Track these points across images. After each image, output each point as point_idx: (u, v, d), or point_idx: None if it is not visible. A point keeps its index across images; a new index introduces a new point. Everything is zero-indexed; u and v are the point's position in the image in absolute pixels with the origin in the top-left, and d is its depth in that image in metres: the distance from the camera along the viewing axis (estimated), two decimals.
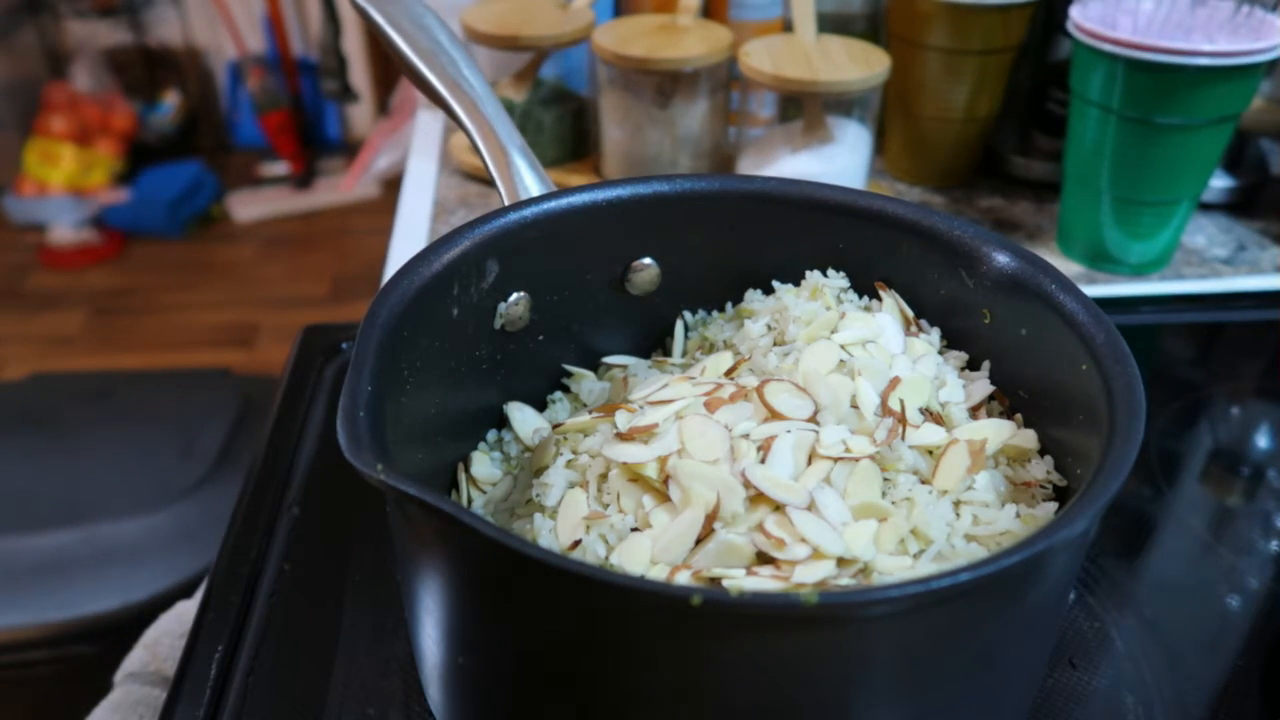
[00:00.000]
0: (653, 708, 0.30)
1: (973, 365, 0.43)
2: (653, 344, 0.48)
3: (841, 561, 0.33)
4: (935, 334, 0.43)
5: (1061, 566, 0.32)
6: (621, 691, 0.30)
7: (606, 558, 0.35)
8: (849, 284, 0.45)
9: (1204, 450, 0.60)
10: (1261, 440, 0.61)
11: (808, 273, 0.45)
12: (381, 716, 0.43)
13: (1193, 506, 0.56)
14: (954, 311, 0.43)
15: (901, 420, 0.38)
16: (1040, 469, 0.38)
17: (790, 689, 0.29)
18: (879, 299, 0.44)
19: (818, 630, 0.28)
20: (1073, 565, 0.35)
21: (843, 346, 0.40)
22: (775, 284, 0.45)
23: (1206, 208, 0.81)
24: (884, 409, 0.38)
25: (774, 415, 0.37)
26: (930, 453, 0.38)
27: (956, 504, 0.37)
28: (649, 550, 0.34)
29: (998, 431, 0.39)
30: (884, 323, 0.42)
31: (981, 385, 0.41)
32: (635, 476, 0.37)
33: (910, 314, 0.43)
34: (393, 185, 2.25)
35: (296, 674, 0.45)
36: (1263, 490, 0.58)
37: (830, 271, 0.45)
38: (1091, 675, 0.45)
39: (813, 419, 0.38)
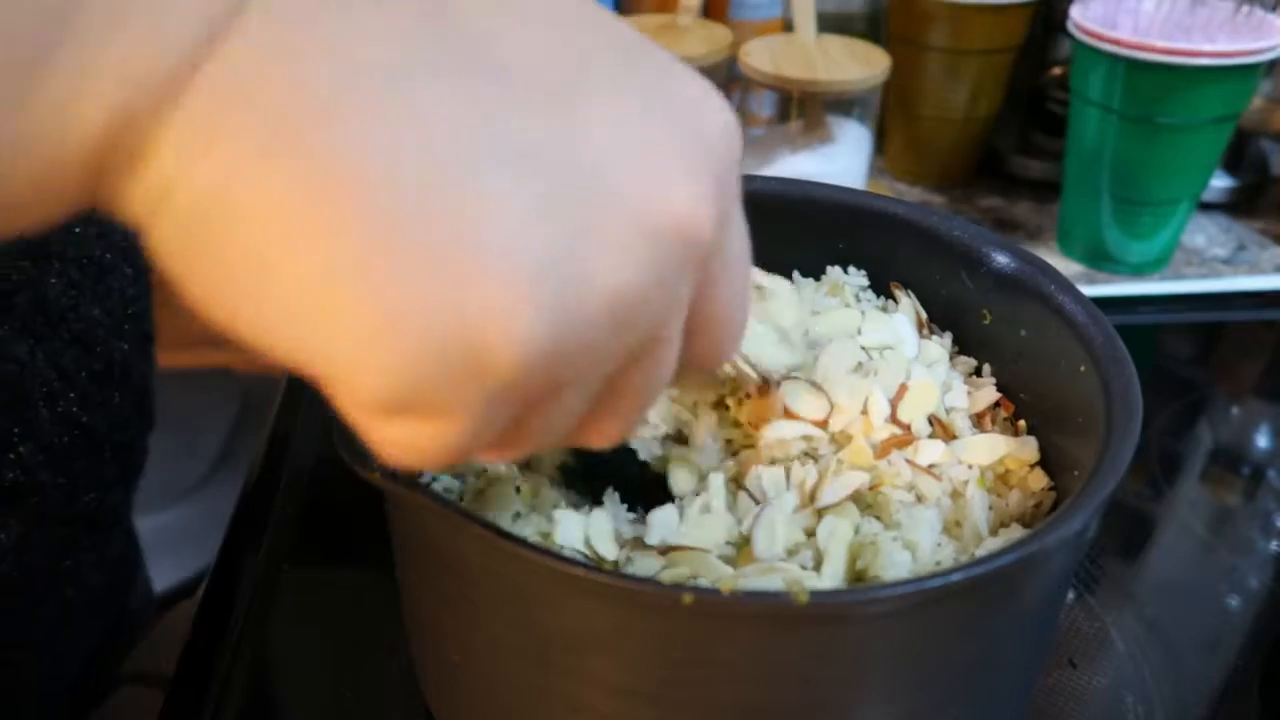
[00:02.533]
0: (649, 706, 0.30)
1: (975, 369, 0.43)
2: None
3: None
4: (948, 339, 0.43)
5: (1058, 566, 0.32)
6: (619, 690, 0.30)
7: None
8: (868, 283, 0.44)
9: (1204, 450, 0.60)
10: (1261, 440, 0.61)
11: (829, 268, 0.44)
12: (381, 716, 0.43)
13: (1193, 506, 0.56)
14: (954, 312, 0.43)
15: (906, 430, 0.38)
16: (1040, 480, 0.38)
17: (783, 688, 0.29)
18: (891, 298, 0.44)
19: (810, 629, 0.28)
20: (1070, 565, 0.35)
21: (864, 349, 0.40)
22: (796, 274, 0.45)
23: (1206, 208, 0.81)
24: (893, 417, 0.38)
25: (788, 414, 0.37)
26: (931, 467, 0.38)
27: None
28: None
29: (992, 449, 0.38)
30: (901, 326, 0.42)
31: (987, 392, 0.41)
32: None
33: (924, 316, 0.43)
34: None
35: (296, 674, 0.45)
36: (1263, 490, 0.58)
37: (851, 269, 0.44)
38: (1091, 675, 0.45)
39: (824, 422, 0.37)
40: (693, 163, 0.21)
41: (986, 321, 0.41)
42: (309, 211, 0.17)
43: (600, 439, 0.25)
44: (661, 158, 0.20)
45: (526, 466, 0.36)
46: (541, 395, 0.20)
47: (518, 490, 0.35)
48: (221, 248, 0.18)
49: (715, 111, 0.22)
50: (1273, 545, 0.53)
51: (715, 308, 0.24)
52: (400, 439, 0.20)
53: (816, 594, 0.26)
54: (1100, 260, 0.74)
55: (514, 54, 0.20)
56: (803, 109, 0.73)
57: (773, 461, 0.36)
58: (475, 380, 0.18)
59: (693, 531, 0.33)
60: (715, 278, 0.23)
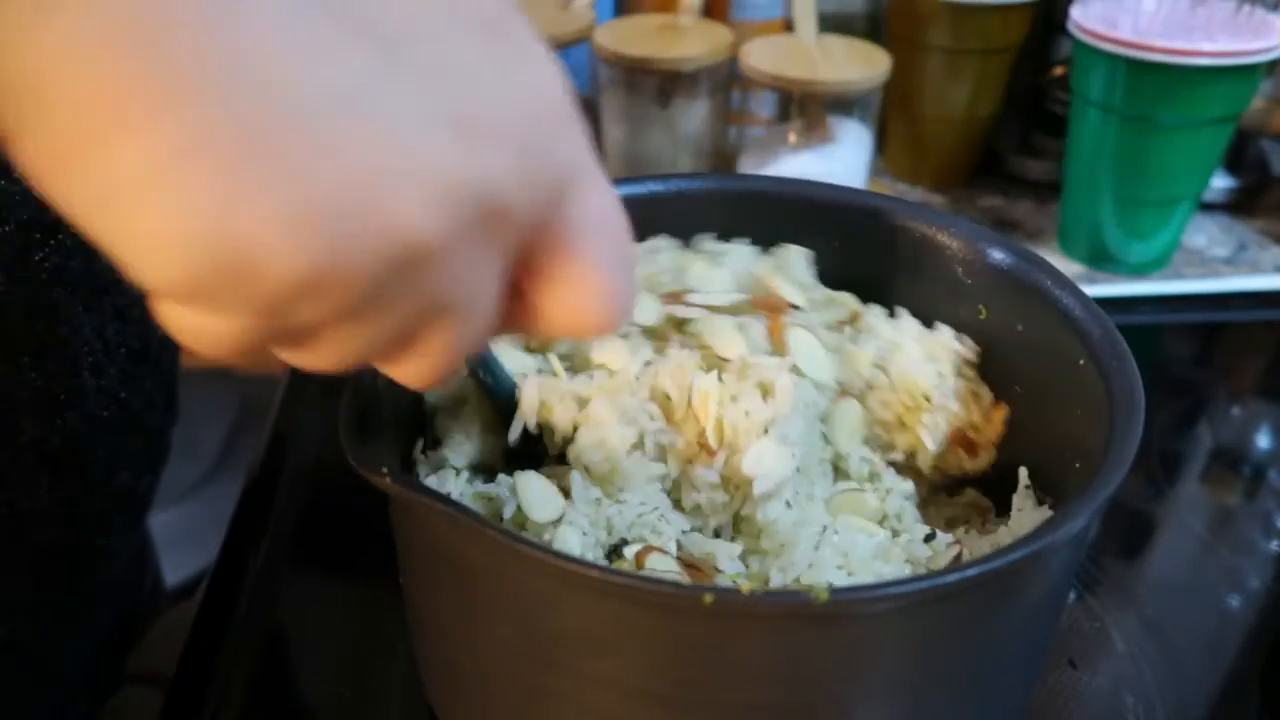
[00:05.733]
0: (660, 706, 0.30)
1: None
2: None
3: None
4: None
5: (1062, 562, 0.32)
6: (630, 691, 0.30)
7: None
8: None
9: (1204, 450, 0.60)
10: (1261, 440, 0.61)
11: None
12: (382, 715, 0.43)
13: (1193, 506, 0.56)
14: (951, 308, 0.43)
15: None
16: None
17: (795, 686, 0.29)
18: (883, 306, 0.44)
19: (825, 627, 0.28)
20: (1073, 561, 0.35)
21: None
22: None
23: (1206, 208, 0.81)
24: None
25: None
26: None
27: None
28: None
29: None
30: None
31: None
32: None
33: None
34: None
35: (297, 675, 0.45)
36: (1263, 490, 0.58)
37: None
38: (1091, 675, 0.45)
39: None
40: (505, 134, 0.21)
41: (983, 317, 0.41)
42: (130, 103, 0.18)
43: (404, 378, 0.25)
44: (474, 124, 0.21)
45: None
46: (324, 316, 0.21)
47: None
48: (46, 124, 0.18)
49: (545, 86, 0.23)
50: (1273, 545, 0.53)
51: (562, 273, 0.24)
52: (188, 326, 0.21)
53: (835, 592, 0.26)
54: (1100, 260, 0.74)
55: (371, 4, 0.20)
56: (803, 109, 0.73)
57: None
58: (246, 289, 0.19)
59: None
60: (557, 246, 0.24)
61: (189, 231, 0.19)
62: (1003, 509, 0.38)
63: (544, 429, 0.37)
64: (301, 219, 0.19)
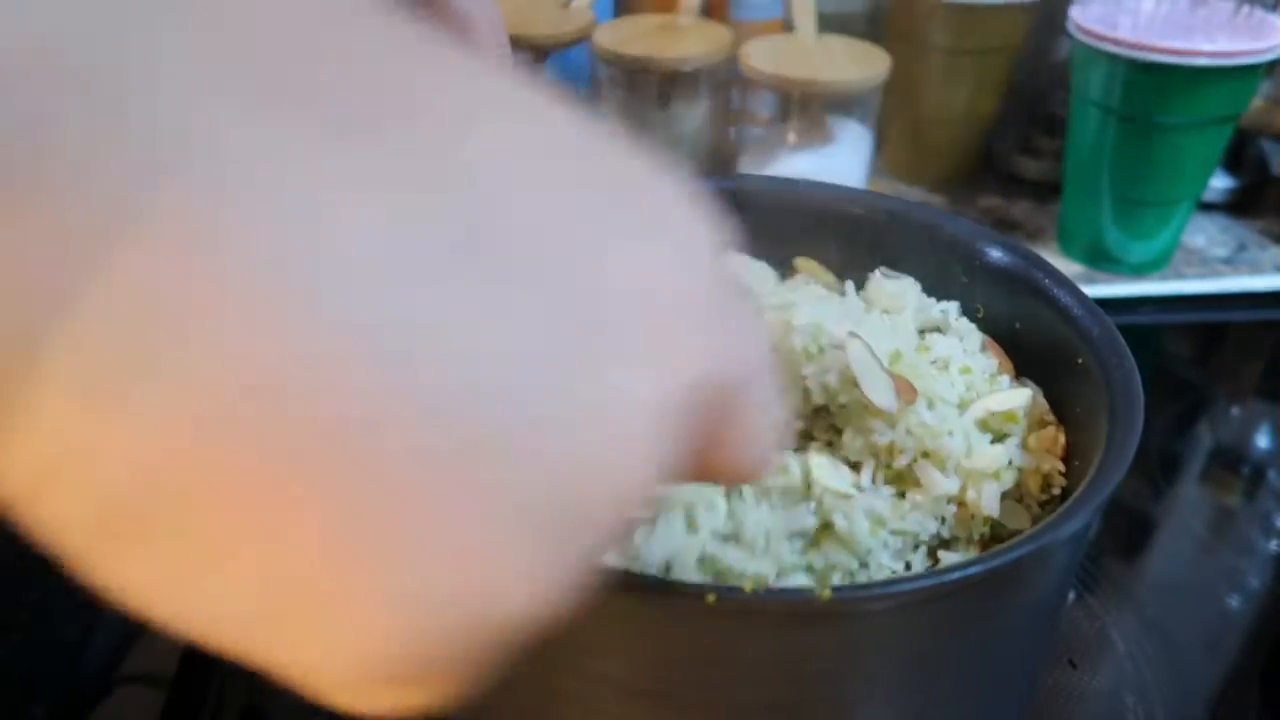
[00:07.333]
0: (663, 707, 0.30)
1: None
2: None
3: None
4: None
5: (1062, 562, 0.32)
6: (633, 691, 0.30)
7: None
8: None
9: (1204, 450, 0.60)
10: (1261, 440, 0.61)
11: (870, 274, 0.43)
12: (382, 716, 0.43)
13: (1193, 506, 0.56)
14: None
15: None
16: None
17: (799, 685, 0.29)
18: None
19: (830, 625, 0.28)
20: (1073, 561, 0.35)
21: None
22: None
23: (1206, 208, 0.81)
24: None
25: None
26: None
27: None
28: None
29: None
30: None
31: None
32: None
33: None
34: None
35: None
36: (1263, 490, 0.58)
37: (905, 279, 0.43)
38: (1091, 675, 0.45)
39: None
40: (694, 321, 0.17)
41: (981, 316, 0.41)
42: (273, 494, 0.13)
43: None
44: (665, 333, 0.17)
45: None
46: None
47: None
48: (158, 538, 0.14)
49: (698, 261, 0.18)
50: (1273, 545, 0.53)
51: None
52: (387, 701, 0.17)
53: (838, 590, 0.26)
54: (1100, 260, 0.74)
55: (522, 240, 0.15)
56: (803, 109, 0.73)
57: None
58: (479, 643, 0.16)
59: None
60: (743, 412, 0.19)
61: (406, 604, 0.15)
62: None
63: None
64: (541, 556, 0.16)
